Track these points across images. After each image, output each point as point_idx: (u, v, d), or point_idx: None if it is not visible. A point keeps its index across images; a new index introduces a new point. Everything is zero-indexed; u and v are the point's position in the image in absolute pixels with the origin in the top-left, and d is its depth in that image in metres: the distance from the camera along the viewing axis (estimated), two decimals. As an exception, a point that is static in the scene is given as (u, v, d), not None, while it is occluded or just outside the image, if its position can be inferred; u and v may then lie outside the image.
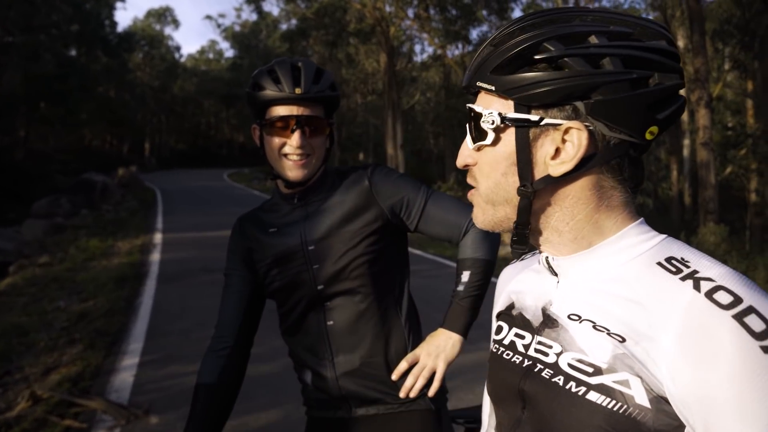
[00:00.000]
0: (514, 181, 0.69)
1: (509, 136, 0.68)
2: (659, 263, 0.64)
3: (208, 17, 74.51)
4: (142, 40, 48.70)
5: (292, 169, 1.31)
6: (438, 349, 1.28)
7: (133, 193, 21.12)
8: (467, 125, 0.73)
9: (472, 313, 1.29)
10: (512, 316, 0.81)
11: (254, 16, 45.60)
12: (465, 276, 1.31)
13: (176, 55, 55.61)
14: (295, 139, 1.29)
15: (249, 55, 47.80)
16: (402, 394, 1.29)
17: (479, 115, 0.69)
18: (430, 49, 24.70)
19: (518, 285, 0.83)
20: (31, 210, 15.13)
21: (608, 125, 0.64)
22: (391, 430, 1.33)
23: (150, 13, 53.32)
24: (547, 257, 0.74)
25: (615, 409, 0.61)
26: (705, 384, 0.55)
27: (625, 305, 0.64)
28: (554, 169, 0.66)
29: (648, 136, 0.65)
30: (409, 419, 1.34)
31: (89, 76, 29.84)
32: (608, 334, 0.64)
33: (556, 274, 0.74)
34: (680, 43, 16.98)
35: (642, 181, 0.71)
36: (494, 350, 0.82)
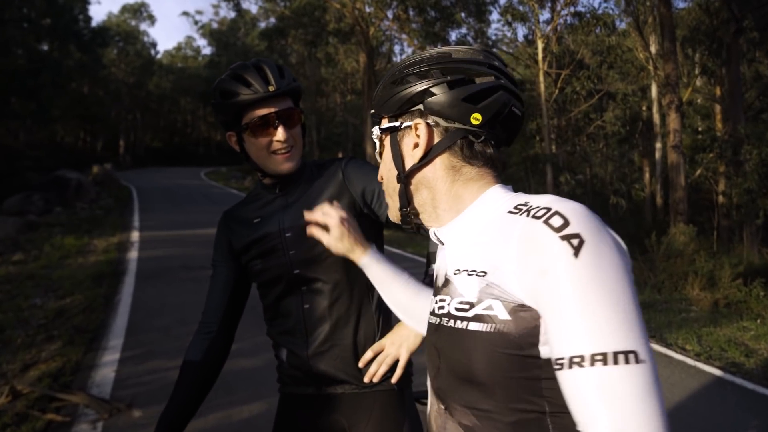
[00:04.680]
0: (395, 174, 0.91)
1: (388, 143, 0.93)
2: (509, 211, 0.81)
3: (185, 14, 73.71)
4: (117, 36, 47.74)
5: (282, 162, 1.39)
6: (402, 339, 1.37)
7: (108, 191, 20.78)
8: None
9: None
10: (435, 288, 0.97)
11: (232, 14, 45.29)
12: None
13: (152, 52, 54.66)
14: (280, 133, 1.36)
15: (227, 53, 47.28)
16: (366, 380, 1.38)
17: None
18: (409, 50, 24.84)
19: (437, 262, 1.00)
20: (2, 207, 14.80)
21: (443, 117, 0.86)
22: (357, 407, 1.41)
23: (125, 9, 52.38)
24: (434, 231, 0.93)
25: (489, 330, 0.76)
26: (538, 277, 0.71)
27: (486, 248, 0.80)
28: (413, 157, 0.89)
29: (473, 121, 0.85)
30: (373, 398, 1.42)
31: (62, 71, 29.12)
32: (476, 275, 0.80)
33: (443, 243, 0.92)
34: (652, 49, 17.43)
35: (502, 163, 0.90)
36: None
